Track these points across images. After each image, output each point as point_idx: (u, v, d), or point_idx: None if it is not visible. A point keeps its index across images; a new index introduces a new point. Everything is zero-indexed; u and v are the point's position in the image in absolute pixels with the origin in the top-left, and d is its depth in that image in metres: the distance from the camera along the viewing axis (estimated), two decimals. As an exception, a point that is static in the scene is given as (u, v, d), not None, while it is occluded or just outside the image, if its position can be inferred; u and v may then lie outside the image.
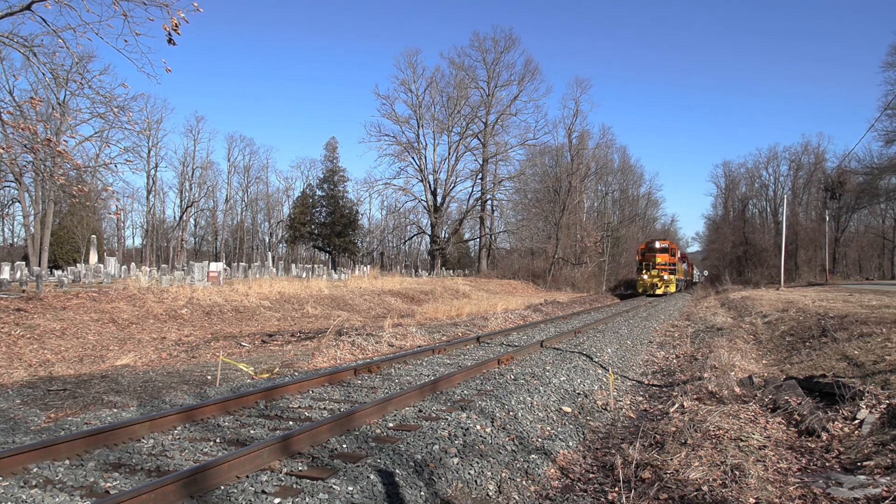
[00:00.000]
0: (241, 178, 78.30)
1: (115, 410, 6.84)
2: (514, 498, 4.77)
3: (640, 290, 42.42)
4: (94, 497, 4.09)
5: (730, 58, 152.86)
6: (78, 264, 31.33)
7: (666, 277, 41.83)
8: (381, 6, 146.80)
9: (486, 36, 79.89)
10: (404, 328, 15.88)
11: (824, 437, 6.04)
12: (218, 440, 5.52)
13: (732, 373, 8.96)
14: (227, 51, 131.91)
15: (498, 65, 61.15)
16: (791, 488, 4.74)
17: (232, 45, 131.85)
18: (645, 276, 42.14)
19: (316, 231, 67.05)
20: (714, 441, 5.73)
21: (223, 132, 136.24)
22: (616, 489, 4.82)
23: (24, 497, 4.00)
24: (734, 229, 72.73)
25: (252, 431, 5.81)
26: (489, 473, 4.98)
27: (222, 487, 4.12)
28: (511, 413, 6.63)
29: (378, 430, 5.73)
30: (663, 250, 43.50)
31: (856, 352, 9.36)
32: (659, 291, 41.40)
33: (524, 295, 42.50)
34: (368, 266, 51.76)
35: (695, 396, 7.88)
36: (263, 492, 4.09)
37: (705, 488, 4.65)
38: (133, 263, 38.70)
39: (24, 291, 17.66)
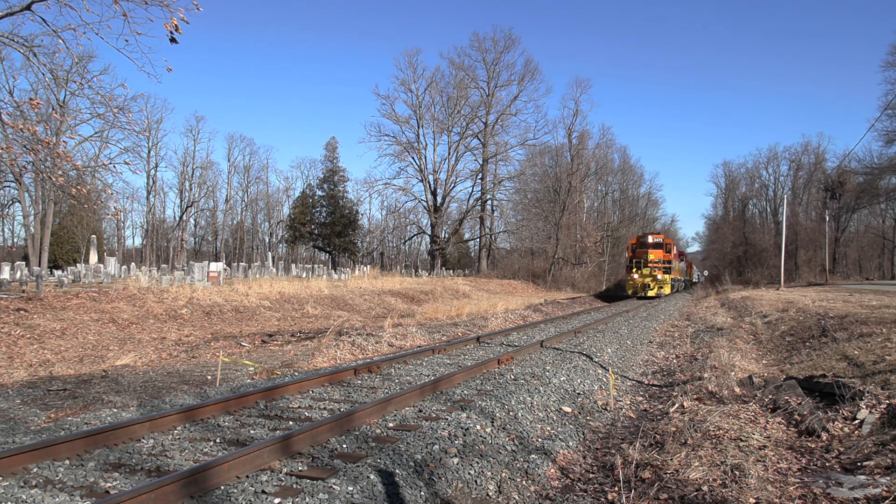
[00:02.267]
0: (241, 178, 78.36)
1: (115, 410, 6.84)
2: (514, 498, 4.77)
3: (630, 292, 36.50)
4: (94, 497, 4.09)
5: (730, 58, 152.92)
6: (78, 264, 31.34)
7: (660, 277, 35.88)
8: (381, 6, 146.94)
9: (486, 36, 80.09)
10: (404, 328, 15.88)
11: (824, 437, 6.04)
12: (218, 440, 5.52)
13: (732, 373, 8.96)
14: (227, 51, 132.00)
15: (498, 65, 61.27)
16: (791, 488, 4.74)
17: (232, 45, 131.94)
18: (635, 276, 36.21)
19: (316, 231, 67.07)
20: (714, 441, 5.73)
21: (223, 132, 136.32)
22: (616, 489, 4.82)
23: (24, 497, 4.00)
24: (734, 229, 72.75)
25: (252, 431, 5.81)
26: (489, 473, 4.97)
27: (222, 487, 4.12)
28: (511, 413, 6.63)
29: (378, 430, 5.72)
30: (657, 245, 37.00)
31: (856, 352, 9.36)
32: (651, 293, 35.60)
33: (524, 295, 42.50)
34: (368, 266, 51.78)
35: (695, 396, 7.87)
36: (263, 492, 4.09)
37: (705, 488, 4.65)
38: (133, 263, 38.72)
39: (24, 291, 17.65)
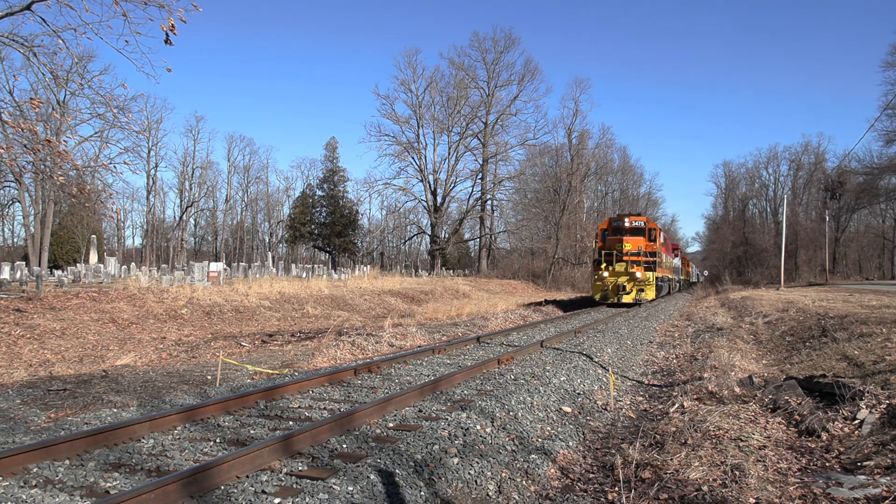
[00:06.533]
0: (241, 178, 78.44)
1: (115, 410, 6.83)
2: (514, 498, 4.76)
3: (598, 297, 25.85)
4: (94, 497, 4.09)
5: (730, 58, 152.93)
6: (78, 264, 31.36)
7: (639, 275, 25.07)
8: (381, 6, 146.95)
9: (485, 36, 79.80)
10: (404, 328, 15.88)
11: (824, 437, 6.04)
12: (218, 440, 5.52)
13: (732, 373, 8.96)
14: (227, 51, 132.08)
15: (498, 65, 61.35)
16: (791, 488, 4.74)
17: (232, 45, 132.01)
18: (605, 274, 25.41)
19: (316, 231, 67.10)
20: (714, 441, 5.73)
21: (223, 132, 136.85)
22: (616, 489, 4.82)
23: (24, 497, 4.00)
24: (734, 229, 72.88)
25: (252, 431, 5.81)
26: (489, 473, 4.97)
27: (222, 487, 4.12)
28: (511, 413, 6.63)
29: (378, 430, 5.72)
30: (636, 231, 26.09)
31: (856, 352, 9.36)
32: (627, 298, 25.03)
33: (524, 295, 42.51)
34: (368, 266, 51.79)
35: (695, 396, 7.87)
36: (263, 492, 4.09)
37: (705, 488, 4.65)
38: (133, 263, 38.74)
39: (24, 291, 17.66)
